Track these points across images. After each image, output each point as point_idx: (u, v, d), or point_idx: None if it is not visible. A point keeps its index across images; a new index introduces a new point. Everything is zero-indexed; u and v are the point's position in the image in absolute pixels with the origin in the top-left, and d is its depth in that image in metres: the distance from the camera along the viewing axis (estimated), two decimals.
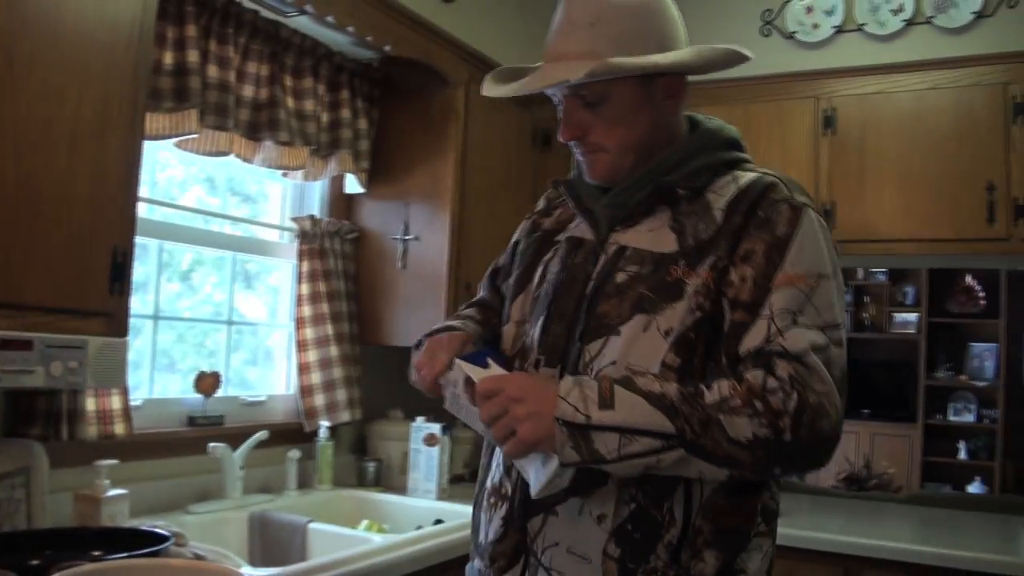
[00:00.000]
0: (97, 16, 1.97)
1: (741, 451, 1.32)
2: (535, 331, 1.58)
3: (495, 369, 1.49)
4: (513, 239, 1.82)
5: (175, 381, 2.90)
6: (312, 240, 3.21)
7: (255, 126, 2.87)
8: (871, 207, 3.32)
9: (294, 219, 3.24)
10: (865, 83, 3.39)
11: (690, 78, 1.60)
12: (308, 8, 2.69)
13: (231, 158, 2.81)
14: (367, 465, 3.37)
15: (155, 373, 2.80)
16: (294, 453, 3.04)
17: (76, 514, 2.23)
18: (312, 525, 2.61)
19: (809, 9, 3.52)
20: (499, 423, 1.38)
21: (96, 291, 1.97)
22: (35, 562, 1.79)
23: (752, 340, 1.39)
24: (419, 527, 2.84)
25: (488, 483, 1.62)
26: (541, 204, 1.82)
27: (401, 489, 3.27)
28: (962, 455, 7.57)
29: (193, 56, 2.58)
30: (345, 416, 3.23)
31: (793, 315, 1.39)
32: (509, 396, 1.38)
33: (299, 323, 3.20)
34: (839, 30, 3.47)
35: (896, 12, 3.35)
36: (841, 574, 2.84)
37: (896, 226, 3.29)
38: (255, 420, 3.05)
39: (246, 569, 2.11)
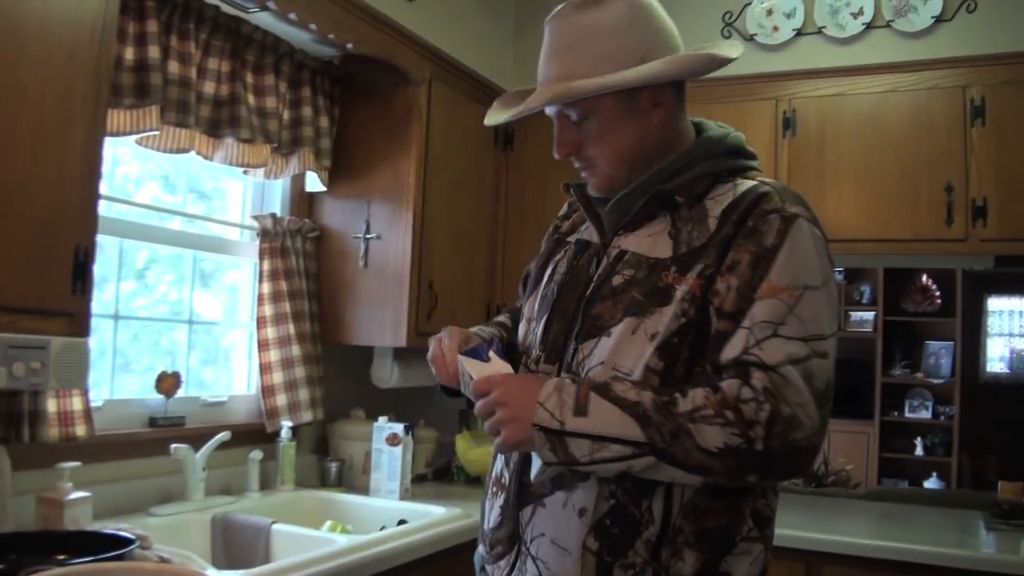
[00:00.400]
0: (59, 11, 1.94)
1: (712, 459, 1.36)
2: (539, 328, 1.66)
3: (495, 362, 1.58)
4: (542, 243, 1.89)
5: (131, 381, 2.86)
6: (273, 239, 3.18)
7: (216, 123, 2.84)
8: (830, 208, 3.34)
9: (255, 217, 3.21)
10: (825, 85, 3.42)
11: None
12: (270, 4, 2.67)
13: (190, 155, 2.78)
14: (329, 465, 3.36)
15: (112, 373, 2.76)
16: (256, 454, 3.01)
17: (39, 517, 2.19)
18: (276, 526, 2.58)
19: (769, 12, 3.54)
20: (488, 423, 1.48)
21: (58, 290, 1.94)
22: (0, 566, 1.76)
23: (731, 350, 1.42)
24: (383, 528, 2.83)
25: (493, 472, 1.70)
26: (563, 209, 1.89)
27: (364, 489, 3.25)
28: (918, 451, 7.69)
29: (154, 52, 2.55)
30: (307, 416, 3.21)
31: (774, 326, 1.41)
32: (495, 399, 1.47)
33: (260, 322, 3.17)
34: (799, 33, 3.49)
35: (856, 15, 3.39)
36: (803, 570, 2.87)
37: (856, 226, 3.32)
38: (216, 421, 3.02)
39: (211, 572, 2.09)
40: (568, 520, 1.51)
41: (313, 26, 2.83)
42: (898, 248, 3.32)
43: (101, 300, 2.69)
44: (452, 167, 3.52)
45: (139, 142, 2.61)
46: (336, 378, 3.48)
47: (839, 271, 8.08)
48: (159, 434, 2.75)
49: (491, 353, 1.60)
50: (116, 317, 2.77)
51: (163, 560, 1.97)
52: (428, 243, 3.36)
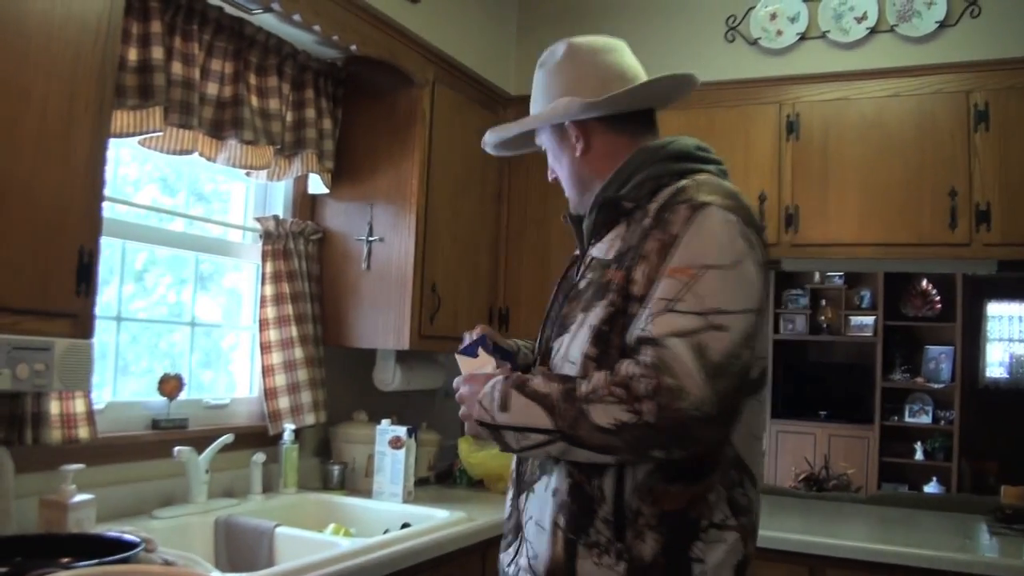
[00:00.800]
0: (64, 11, 1.93)
1: (610, 437, 1.46)
2: (539, 335, 1.84)
3: (481, 358, 1.75)
4: None
5: (130, 383, 2.85)
6: (276, 241, 3.17)
7: (219, 124, 2.83)
8: (834, 212, 3.35)
9: (258, 219, 3.20)
10: (828, 90, 3.42)
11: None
12: (274, 6, 2.66)
13: (191, 157, 2.77)
14: (332, 468, 3.35)
15: (115, 376, 2.76)
16: (259, 456, 3.00)
17: (42, 520, 2.18)
18: (279, 529, 2.57)
19: (773, 16, 3.54)
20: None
21: (62, 292, 1.94)
22: (4, 569, 1.75)
23: (634, 330, 1.53)
24: (386, 531, 2.82)
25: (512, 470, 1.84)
26: None
27: (366, 492, 3.24)
28: (918, 456, 7.70)
29: (158, 53, 2.54)
30: (310, 419, 3.21)
31: (668, 302, 1.50)
32: (458, 397, 1.69)
33: (263, 325, 3.17)
34: (803, 37, 3.49)
35: (860, 20, 3.38)
36: (806, 573, 2.86)
37: (858, 231, 3.32)
38: (219, 423, 3.02)
39: (215, 575, 2.08)
40: (546, 501, 1.65)
41: (317, 28, 2.83)
42: (901, 253, 3.31)
43: (102, 302, 2.68)
44: (455, 169, 3.51)
45: (142, 143, 2.61)
46: (338, 381, 3.47)
47: (838, 275, 8.09)
48: (162, 436, 2.74)
49: (479, 349, 1.76)
50: (118, 319, 2.76)
51: (168, 563, 1.96)
52: (431, 245, 3.36)
